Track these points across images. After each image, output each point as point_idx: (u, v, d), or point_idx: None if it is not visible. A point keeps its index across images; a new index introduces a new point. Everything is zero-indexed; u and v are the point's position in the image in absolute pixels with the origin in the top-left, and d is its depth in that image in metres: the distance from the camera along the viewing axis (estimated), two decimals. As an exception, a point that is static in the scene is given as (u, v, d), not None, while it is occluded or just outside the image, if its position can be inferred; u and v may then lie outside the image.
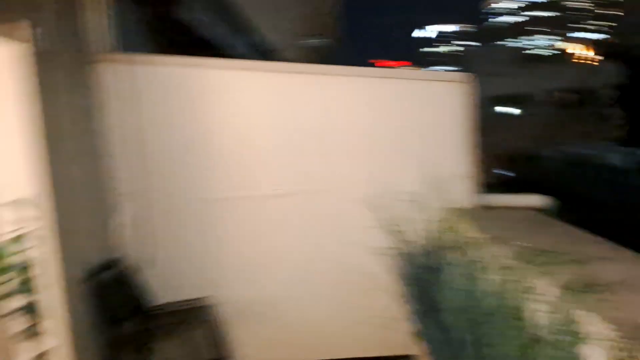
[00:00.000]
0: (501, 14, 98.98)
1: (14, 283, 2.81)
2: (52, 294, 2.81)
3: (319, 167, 3.42)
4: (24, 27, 2.56)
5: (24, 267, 2.92)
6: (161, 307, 3.43)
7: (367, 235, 3.30)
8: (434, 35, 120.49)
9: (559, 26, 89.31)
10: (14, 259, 2.92)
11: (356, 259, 3.37)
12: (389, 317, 3.33)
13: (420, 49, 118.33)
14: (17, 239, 3.20)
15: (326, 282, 3.48)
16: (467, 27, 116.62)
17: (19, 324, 2.72)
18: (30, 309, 3.15)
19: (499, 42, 73.37)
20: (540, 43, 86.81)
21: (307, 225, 3.46)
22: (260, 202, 3.43)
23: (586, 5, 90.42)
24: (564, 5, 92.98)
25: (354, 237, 3.36)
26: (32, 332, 2.91)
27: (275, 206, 3.43)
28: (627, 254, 2.21)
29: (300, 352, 3.53)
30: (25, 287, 3.03)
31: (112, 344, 3.15)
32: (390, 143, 3.42)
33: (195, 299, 3.40)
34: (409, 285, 2.88)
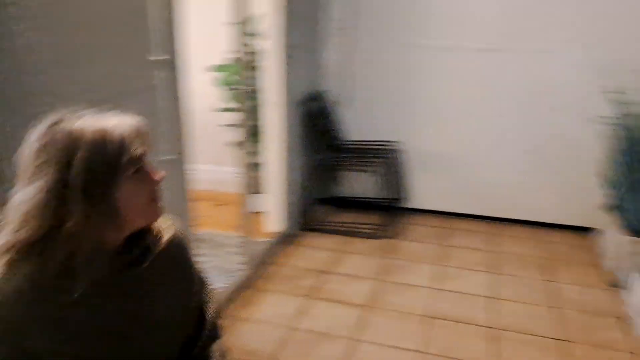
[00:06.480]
0: None
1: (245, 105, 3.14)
2: (274, 115, 3.19)
3: (538, 23, 3.23)
4: None
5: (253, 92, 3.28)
6: (354, 142, 3.74)
7: (582, 102, 3.21)
8: None
9: None
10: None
11: (562, 125, 3.32)
12: (581, 188, 3.33)
13: None
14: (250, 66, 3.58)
15: (521, 144, 3.46)
16: None
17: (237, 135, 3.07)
18: (254, 131, 3.60)
19: None
20: None
21: (515, 86, 3.37)
22: (467, 55, 3.38)
23: None
24: None
25: (565, 102, 3.27)
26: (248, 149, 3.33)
27: (482, 61, 3.37)
28: None
29: (474, 208, 3.71)
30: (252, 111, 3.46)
31: (311, 167, 3.57)
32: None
33: (384, 142, 3.65)
34: (620, 156, 2.82)
